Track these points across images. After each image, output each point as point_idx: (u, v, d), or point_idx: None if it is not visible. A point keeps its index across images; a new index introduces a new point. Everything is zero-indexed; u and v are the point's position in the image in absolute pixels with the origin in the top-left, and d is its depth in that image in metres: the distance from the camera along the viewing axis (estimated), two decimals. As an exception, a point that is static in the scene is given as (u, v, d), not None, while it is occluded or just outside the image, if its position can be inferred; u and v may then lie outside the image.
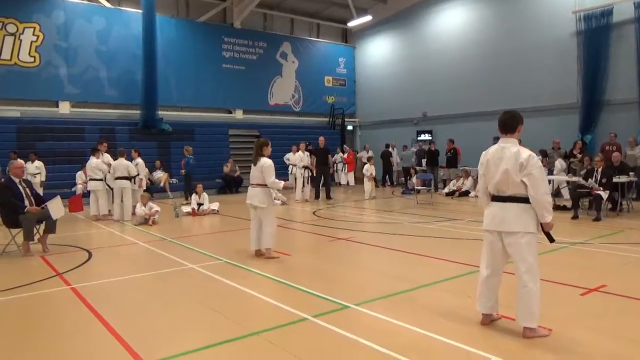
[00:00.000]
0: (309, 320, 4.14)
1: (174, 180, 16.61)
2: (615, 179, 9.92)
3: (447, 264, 6.18)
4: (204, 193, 11.81)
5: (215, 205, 11.78)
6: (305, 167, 13.85)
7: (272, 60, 20.82)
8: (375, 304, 4.57)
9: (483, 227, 3.92)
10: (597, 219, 9.33)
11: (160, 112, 17.16)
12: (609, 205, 10.18)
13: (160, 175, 15.96)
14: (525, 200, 3.66)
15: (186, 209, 11.53)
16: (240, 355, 3.55)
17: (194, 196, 11.66)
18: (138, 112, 16.84)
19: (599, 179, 9.81)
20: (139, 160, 12.23)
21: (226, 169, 17.45)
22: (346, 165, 19.88)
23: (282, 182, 6.66)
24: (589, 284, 5.04)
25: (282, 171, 13.36)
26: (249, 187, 6.78)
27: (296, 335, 3.86)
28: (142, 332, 4.01)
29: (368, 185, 14.76)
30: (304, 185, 13.91)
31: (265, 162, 6.54)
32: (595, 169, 10.02)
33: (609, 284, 5.03)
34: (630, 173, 10.49)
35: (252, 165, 6.74)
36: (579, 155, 12.97)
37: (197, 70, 18.53)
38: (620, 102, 14.02)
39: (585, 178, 10.07)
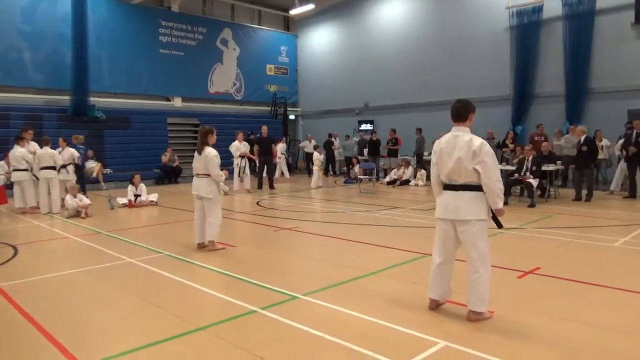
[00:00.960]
0: (257, 313, 4.04)
1: (108, 171, 15.79)
2: (544, 167, 10.52)
3: (392, 251, 6.28)
4: (142, 184, 11.31)
5: (153, 197, 11.33)
6: (242, 157, 13.61)
7: (212, 47, 20.22)
8: (323, 293, 4.55)
9: (436, 215, 3.97)
10: (532, 205, 9.85)
11: (92, 99, 16.21)
12: (538, 192, 10.78)
13: (92, 165, 15.05)
14: (476, 188, 3.73)
15: (122, 200, 10.99)
16: (188, 351, 3.40)
17: (130, 187, 11.14)
18: (67, 97, 15.79)
19: (529, 167, 10.37)
20: (72, 149, 11.48)
21: (164, 158, 16.82)
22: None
23: (225, 174, 6.49)
24: (525, 267, 5.29)
25: (227, 160, 13.05)
26: (195, 178, 6.54)
27: (245, 329, 3.76)
28: (80, 333, 3.75)
29: (316, 174, 14.81)
30: (239, 175, 13.68)
31: (210, 152, 6.32)
32: (526, 158, 10.57)
33: (543, 266, 5.31)
34: (557, 162, 11.17)
35: (196, 154, 6.48)
36: (511, 145, 13.64)
37: (133, 55, 17.62)
38: (548, 95, 14.86)
39: (519, 167, 10.60)
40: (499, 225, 3.88)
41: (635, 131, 10.81)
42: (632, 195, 10.84)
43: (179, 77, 18.95)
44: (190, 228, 6.97)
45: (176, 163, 17.05)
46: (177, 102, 19.31)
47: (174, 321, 3.92)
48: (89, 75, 15.80)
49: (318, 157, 15.02)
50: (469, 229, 3.73)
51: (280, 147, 17.64)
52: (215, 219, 6.38)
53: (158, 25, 18.45)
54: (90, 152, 15.22)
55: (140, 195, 11.10)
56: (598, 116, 13.56)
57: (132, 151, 16.86)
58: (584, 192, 10.65)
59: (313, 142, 18.33)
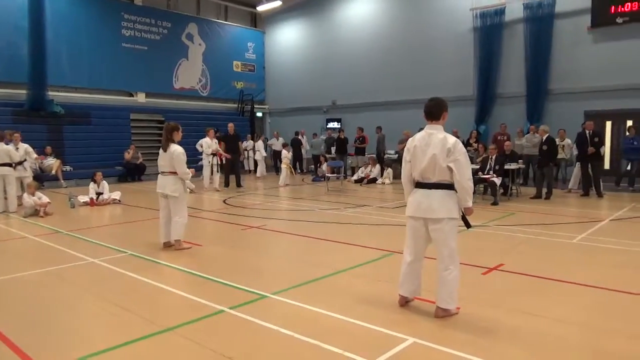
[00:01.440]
0: (226, 313, 4.00)
1: (68, 168, 15.29)
2: (506, 166, 10.82)
3: (360, 249, 6.32)
4: (104, 181, 10.98)
5: (116, 195, 11.02)
6: (213, 154, 13.41)
7: (178, 42, 19.82)
8: (292, 291, 4.53)
9: (407, 213, 4.00)
10: (495, 203, 10.11)
11: (50, 93, 15.60)
12: (501, 191, 11.07)
13: (51, 162, 14.57)
14: (448, 186, 3.78)
15: (83, 198, 10.64)
16: (156, 353, 3.32)
17: (91, 185, 10.80)
18: (24, 92, 15.13)
19: (492, 166, 10.64)
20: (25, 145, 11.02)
21: (127, 155, 16.40)
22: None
23: (192, 172, 6.39)
24: (489, 263, 5.43)
25: (193, 158, 12.82)
26: (160, 175, 6.39)
27: (213, 329, 3.70)
28: (41, 338, 3.60)
29: (284, 172, 14.77)
30: (212, 173, 13.46)
31: (176, 149, 6.19)
32: (490, 156, 10.85)
33: (506, 262, 5.47)
34: (519, 161, 11.51)
35: (160, 151, 6.33)
36: (475, 144, 13.97)
37: (94, 49, 17.04)
38: (510, 95, 15.30)
39: (482, 165, 10.86)
40: (468, 226, 3.95)
41: (587, 131, 11.27)
42: (586, 193, 11.29)
43: (142, 72, 18.48)
44: (155, 227, 6.82)
45: (140, 160, 16.65)
46: (141, 98, 18.84)
47: (140, 322, 3.82)
48: (47, 68, 15.19)
49: (286, 155, 14.99)
50: (442, 227, 3.78)
51: (259, 145, 17.92)
52: (181, 218, 6.26)
53: (120, 19, 17.92)
54: (48, 149, 14.71)
55: (102, 194, 10.78)
56: (557, 116, 14.05)
57: (93, 147, 16.36)
58: (544, 190, 11.02)
59: (281, 139, 18.26)
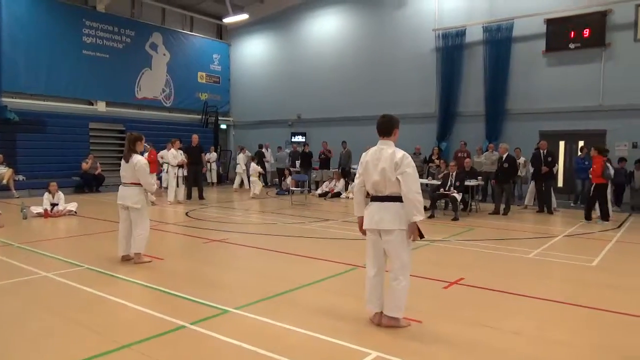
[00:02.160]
0: (186, 328, 3.90)
1: (20, 177, 14.67)
2: (466, 183, 11.12)
3: (324, 263, 6.32)
4: (59, 192, 10.58)
5: (72, 206, 10.63)
6: (180, 166, 13.17)
7: (141, 51, 19.48)
8: (256, 306, 4.48)
9: (364, 226, 4.04)
10: (455, 219, 10.34)
11: (4, 99, 15.00)
12: (461, 206, 11.35)
13: (3, 171, 13.94)
14: (400, 199, 3.85)
15: (36, 209, 10.21)
16: (110, 372, 3.20)
17: (46, 195, 10.38)
18: (-25, 97, 14.53)
19: (453, 182, 10.91)
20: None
21: (85, 165, 15.88)
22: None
23: (156, 183, 6.27)
24: (450, 277, 5.53)
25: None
26: (121, 187, 6.23)
27: (173, 345, 3.60)
28: (-16, 355, 3.42)
29: (257, 183, 14.82)
30: (177, 186, 13.20)
31: (139, 160, 6.06)
32: (451, 173, 11.13)
33: (467, 277, 5.59)
34: (478, 177, 11.85)
35: (122, 161, 6.18)
36: (437, 161, 14.30)
37: (52, 55, 16.53)
38: (470, 114, 15.78)
39: (444, 181, 11.12)
40: (421, 236, 4.00)
41: (541, 151, 11.77)
42: (541, 209, 11.73)
43: (103, 81, 18.03)
44: (112, 239, 6.61)
45: (98, 171, 16.16)
46: (101, 107, 18.35)
47: (96, 339, 3.68)
48: (1, 73, 14.62)
49: (255, 167, 14.98)
50: (393, 238, 3.85)
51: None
52: (142, 230, 6.10)
53: (82, 25, 17.47)
54: (0, 157, 14.08)
55: (57, 204, 10.37)
56: (514, 135, 14.58)
57: (49, 157, 15.79)
58: (502, 206, 11.36)
59: (247, 152, 18.16)
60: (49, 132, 16.07)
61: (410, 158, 3.89)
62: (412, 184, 3.77)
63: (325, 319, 4.18)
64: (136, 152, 6.14)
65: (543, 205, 11.75)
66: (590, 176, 10.20)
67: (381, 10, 17.80)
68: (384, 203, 3.89)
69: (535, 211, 11.90)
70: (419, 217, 3.79)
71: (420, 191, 3.89)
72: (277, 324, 4.01)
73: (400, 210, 3.84)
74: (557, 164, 12.55)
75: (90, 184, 15.87)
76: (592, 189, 10.10)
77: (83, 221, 9.93)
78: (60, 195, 10.54)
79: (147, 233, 6.18)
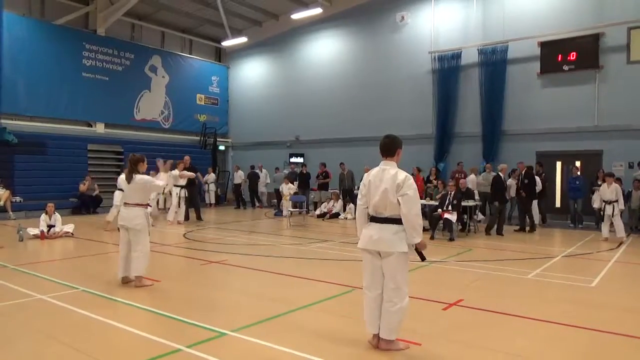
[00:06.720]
0: (183, 351, 3.84)
1: (18, 199, 14.63)
2: (464, 203, 11.12)
3: (322, 284, 6.28)
4: (56, 213, 10.53)
5: (69, 227, 10.58)
6: (182, 187, 13.14)
7: (140, 73, 19.66)
8: (253, 329, 4.42)
9: (359, 246, 4.02)
10: (451, 239, 10.32)
11: (3, 121, 15.05)
12: (459, 226, 11.33)
13: (0, 193, 13.92)
14: (400, 222, 3.84)
15: (33, 231, 10.15)
16: (104, 397, 3.14)
17: (43, 217, 10.34)
18: (-26, 119, 14.57)
19: (451, 201, 10.92)
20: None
21: (83, 187, 15.85)
22: None
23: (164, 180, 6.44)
24: (449, 299, 5.49)
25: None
26: (122, 208, 6.23)
27: (169, 369, 3.55)
28: (-24, 380, 3.36)
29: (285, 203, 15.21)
30: (179, 206, 13.15)
31: (142, 177, 6.16)
32: (449, 193, 11.14)
33: (466, 298, 5.54)
34: (476, 198, 11.86)
35: (124, 183, 6.20)
36: (435, 181, 14.33)
37: (52, 77, 16.68)
38: (467, 135, 15.88)
39: (441, 202, 11.12)
40: (422, 258, 3.99)
41: (520, 173, 11.90)
42: (532, 229, 11.78)
43: (102, 103, 18.14)
44: (109, 261, 6.58)
45: (96, 192, 16.13)
46: (100, 128, 18.43)
47: (90, 363, 3.62)
48: (1, 95, 14.70)
49: (288, 187, 15.52)
50: (391, 260, 3.83)
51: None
52: (139, 252, 6.05)
53: (82, 48, 17.65)
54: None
55: (54, 226, 10.32)
56: (511, 156, 14.62)
57: (46, 178, 15.75)
58: (503, 225, 11.36)
59: (240, 172, 18.19)
60: (47, 153, 16.09)
61: (412, 180, 3.89)
62: (412, 206, 3.77)
63: (324, 341, 4.13)
64: (139, 173, 6.17)
65: (533, 224, 11.92)
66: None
67: (378, 33, 18.07)
68: (384, 225, 3.88)
69: (527, 231, 11.81)
70: (418, 239, 3.80)
71: (420, 214, 3.89)
72: (274, 347, 3.96)
73: (399, 232, 3.83)
74: (538, 185, 12.44)
75: (87, 205, 15.82)
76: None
77: (80, 243, 9.87)
78: (57, 216, 10.49)
79: (146, 254, 6.13)
